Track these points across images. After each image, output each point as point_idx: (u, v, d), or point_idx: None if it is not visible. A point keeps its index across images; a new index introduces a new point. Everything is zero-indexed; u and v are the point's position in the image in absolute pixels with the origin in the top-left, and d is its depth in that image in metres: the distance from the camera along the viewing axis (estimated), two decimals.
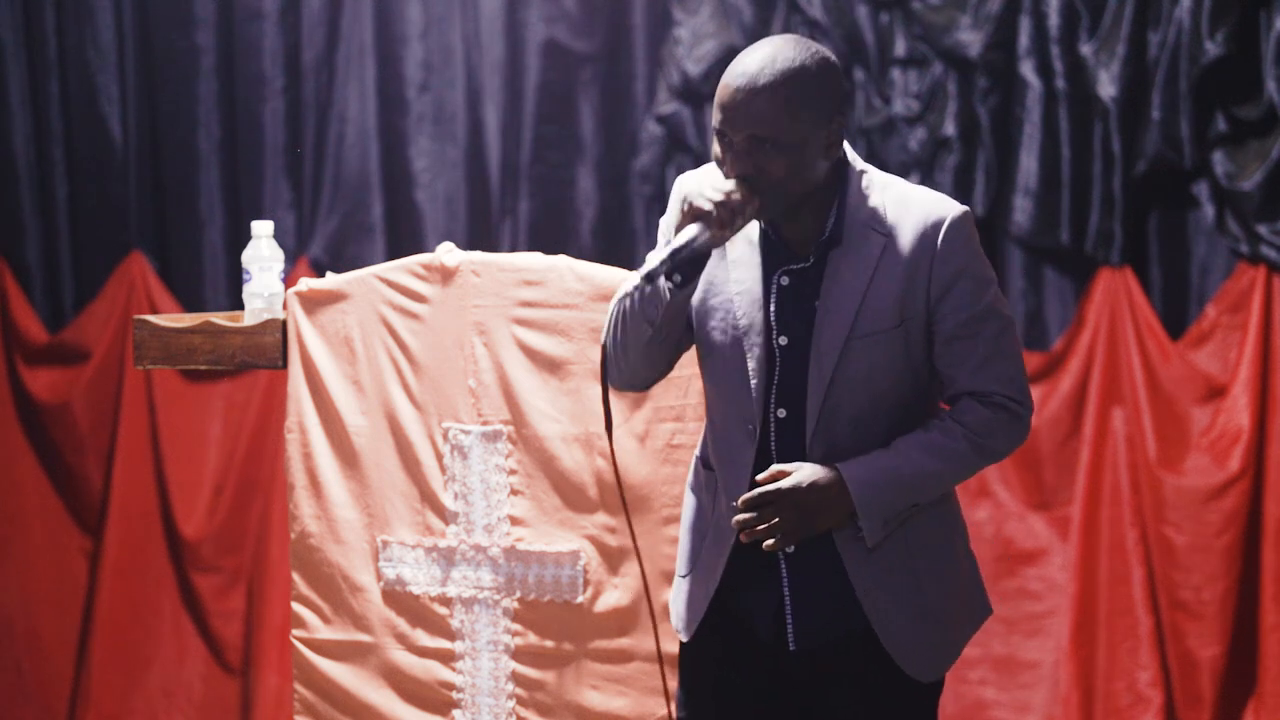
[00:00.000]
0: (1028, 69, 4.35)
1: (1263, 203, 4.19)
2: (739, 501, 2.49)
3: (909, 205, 2.50)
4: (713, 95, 4.23)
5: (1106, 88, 4.28)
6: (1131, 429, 4.27)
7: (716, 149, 2.48)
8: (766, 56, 2.43)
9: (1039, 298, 4.41)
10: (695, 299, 2.56)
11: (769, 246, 2.53)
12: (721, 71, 4.38)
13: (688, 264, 2.44)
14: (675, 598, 2.69)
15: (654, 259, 2.43)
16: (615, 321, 2.53)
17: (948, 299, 2.48)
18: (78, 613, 4.83)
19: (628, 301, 2.49)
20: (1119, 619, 4.26)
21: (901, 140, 4.41)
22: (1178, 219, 4.35)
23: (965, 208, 2.52)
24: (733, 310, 2.52)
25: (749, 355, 2.50)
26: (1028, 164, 4.36)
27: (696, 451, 2.71)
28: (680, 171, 4.50)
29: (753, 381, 2.50)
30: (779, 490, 2.45)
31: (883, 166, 4.41)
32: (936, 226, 2.48)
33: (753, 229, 2.54)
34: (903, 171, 4.40)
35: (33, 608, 4.87)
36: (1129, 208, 4.30)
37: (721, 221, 2.40)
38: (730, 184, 2.43)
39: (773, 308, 2.51)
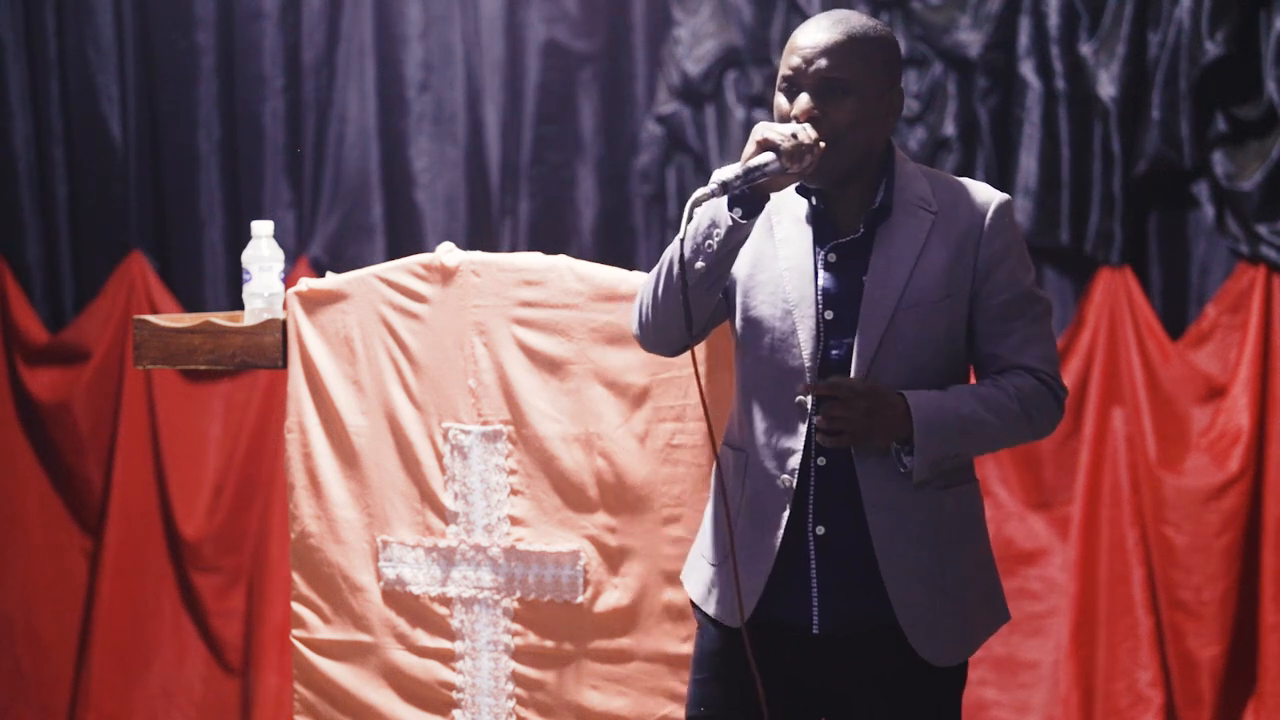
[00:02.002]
0: (1027, 69, 4.35)
1: (1262, 203, 4.19)
2: (805, 388, 2.49)
3: (955, 189, 2.59)
4: (712, 95, 4.24)
5: (1106, 88, 4.28)
6: (1131, 429, 4.27)
7: (781, 102, 2.54)
8: (842, 15, 2.57)
9: None
10: (742, 274, 2.60)
11: (817, 224, 2.58)
12: (721, 71, 4.47)
13: (752, 198, 2.47)
14: (709, 586, 2.66)
15: (728, 172, 2.46)
16: (662, 270, 2.55)
17: (993, 277, 2.55)
18: (78, 613, 4.83)
19: (681, 244, 2.49)
20: (1119, 619, 4.26)
21: (901, 140, 4.41)
22: (1178, 219, 4.35)
23: (1009, 196, 2.61)
24: (782, 285, 2.56)
25: (800, 328, 2.54)
26: (1027, 164, 4.36)
27: (723, 439, 2.70)
28: (680, 172, 4.52)
29: (805, 352, 2.53)
30: (854, 387, 2.46)
31: None
32: (984, 207, 2.57)
33: (800, 207, 2.59)
34: None
35: (33, 608, 4.87)
36: (1129, 208, 4.30)
37: (791, 155, 2.45)
38: (800, 125, 2.49)
39: (820, 283, 2.55)
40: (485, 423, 3.15)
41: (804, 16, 4.44)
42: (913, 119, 4.42)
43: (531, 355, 3.12)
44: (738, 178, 2.44)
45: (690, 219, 2.47)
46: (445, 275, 3.17)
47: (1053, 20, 4.32)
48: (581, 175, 4.63)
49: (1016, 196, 4.36)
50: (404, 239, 4.66)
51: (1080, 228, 4.34)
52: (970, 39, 4.36)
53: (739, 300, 2.61)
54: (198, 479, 4.79)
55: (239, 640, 4.75)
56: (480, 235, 4.62)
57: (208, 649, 4.78)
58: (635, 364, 3.05)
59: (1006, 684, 4.36)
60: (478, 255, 3.17)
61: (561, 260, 3.12)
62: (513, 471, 3.14)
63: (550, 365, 3.11)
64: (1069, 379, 4.33)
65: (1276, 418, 4.20)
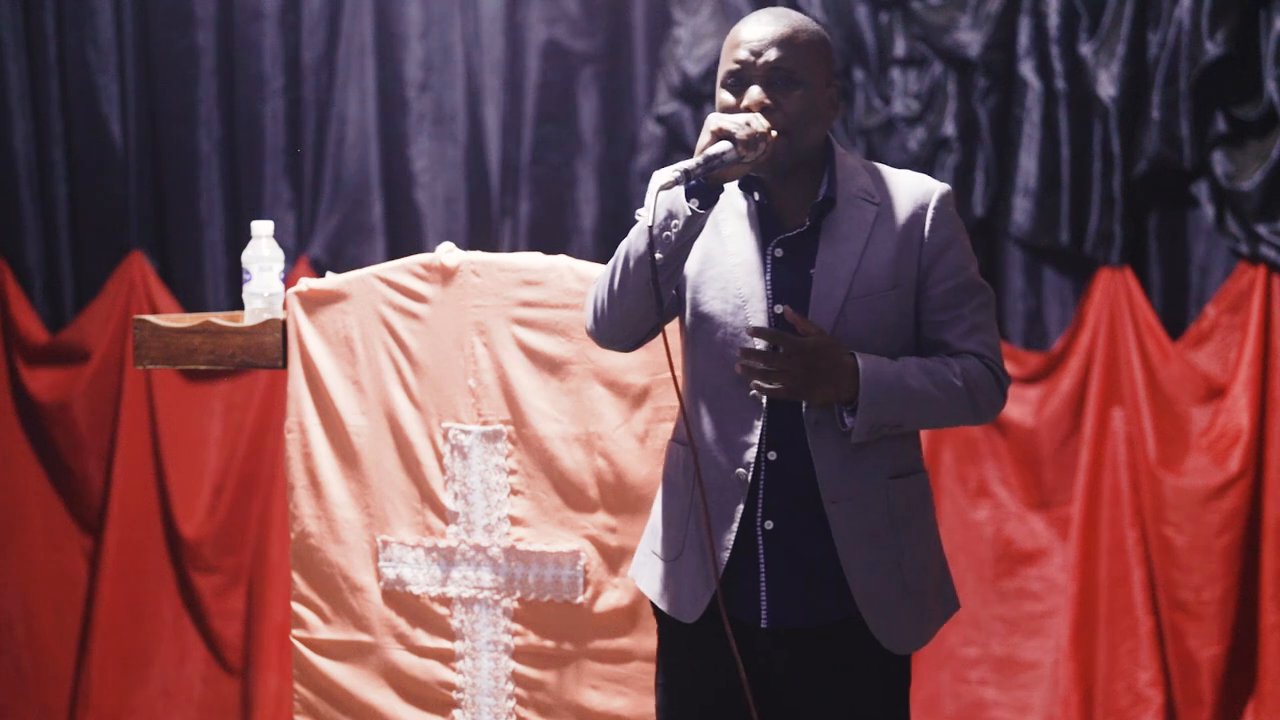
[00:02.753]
0: (1027, 69, 4.35)
1: (1262, 203, 4.19)
2: (753, 331, 2.52)
3: (895, 180, 2.64)
4: (713, 96, 4.23)
5: (1106, 88, 4.28)
6: (1131, 429, 4.27)
7: (726, 97, 2.58)
8: (781, 10, 2.62)
9: (1039, 298, 4.41)
10: (691, 271, 2.62)
11: (763, 219, 2.61)
12: None
13: (707, 189, 2.50)
14: (664, 582, 2.69)
15: (677, 168, 2.48)
16: (618, 264, 2.58)
17: (938, 266, 2.60)
18: (78, 613, 4.83)
19: (650, 230, 2.51)
20: (1119, 619, 4.26)
21: (901, 140, 4.41)
22: (1178, 219, 4.35)
23: (949, 186, 2.65)
24: (732, 281, 2.59)
25: (753, 322, 2.57)
26: (1027, 164, 4.36)
27: (670, 436, 2.72)
28: None
29: (758, 346, 2.55)
30: (798, 340, 2.50)
31: None
32: (926, 197, 2.61)
33: (743, 204, 2.63)
34: None
35: (33, 607, 4.87)
36: (1129, 208, 4.30)
37: (746, 143, 2.48)
38: (752, 115, 2.52)
39: (769, 277, 2.58)
40: (485, 423, 3.15)
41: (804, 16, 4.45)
42: (913, 119, 4.42)
43: (531, 355, 3.12)
44: (698, 166, 2.48)
45: (655, 204, 2.50)
46: (445, 275, 3.17)
47: (1053, 20, 4.32)
48: (581, 175, 4.63)
49: (1016, 197, 4.37)
50: (404, 239, 4.66)
51: (1080, 228, 4.34)
52: (970, 39, 4.36)
53: (689, 296, 2.64)
54: (198, 479, 4.79)
55: (239, 640, 4.74)
56: (480, 235, 4.62)
57: (208, 649, 4.78)
58: (635, 364, 3.05)
59: (1006, 684, 4.36)
60: (478, 255, 3.17)
61: (561, 260, 3.12)
62: (513, 471, 3.14)
63: (550, 365, 3.11)
64: (1069, 379, 4.34)
65: (1276, 418, 4.20)
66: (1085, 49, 4.31)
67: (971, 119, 4.39)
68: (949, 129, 4.38)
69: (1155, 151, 4.26)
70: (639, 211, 2.65)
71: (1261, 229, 4.19)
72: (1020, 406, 4.37)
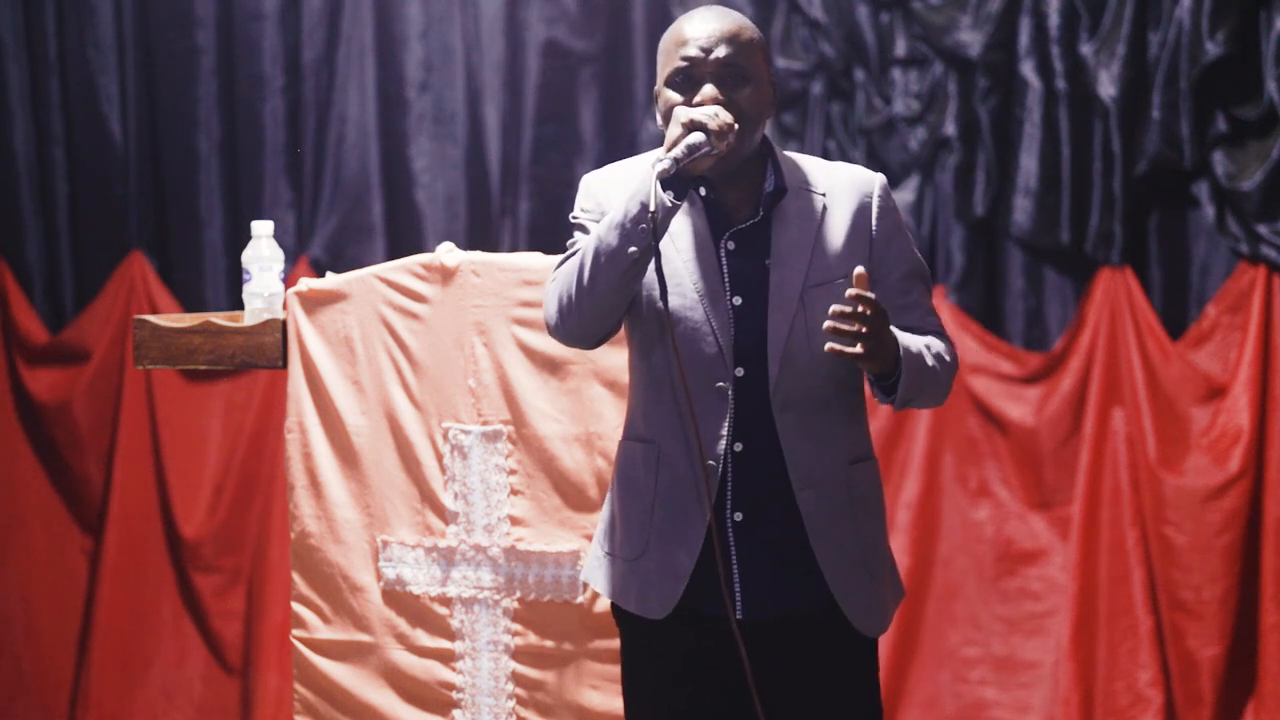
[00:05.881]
0: (1028, 69, 4.35)
1: (1263, 203, 4.20)
2: (850, 295, 2.46)
3: (834, 172, 2.68)
4: None
5: (1106, 88, 4.28)
6: (1131, 429, 4.27)
7: (673, 95, 2.58)
8: (721, 9, 2.64)
9: (1039, 298, 4.41)
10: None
11: (710, 213, 2.63)
12: None
13: (681, 181, 2.51)
14: (626, 581, 2.67)
15: (666, 158, 2.48)
16: (585, 262, 2.56)
17: (890, 251, 2.64)
18: (78, 613, 4.83)
19: (652, 217, 2.49)
20: (1119, 619, 4.26)
21: (901, 140, 4.41)
22: (1178, 219, 4.35)
23: (883, 175, 2.70)
24: (687, 276, 2.60)
25: (711, 316, 2.58)
26: (1028, 164, 4.36)
27: (622, 435, 2.71)
28: None
29: (721, 340, 2.57)
30: (881, 309, 2.47)
31: (883, 166, 4.42)
32: (869, 187, 2.66)
33: (686, 200, 2.62)
34: (903, 172, 4.41)
35: (33, 607, 4.87)
36: (1129, 208, 4.30)
37: (718, 134, 2.50)
38: (716, 108, 2.53)
39: (725, 269, 2.59)
40: (485, 423, 3.15)
41: (804, 16, 4.45)
42: (913, 119, 4.42)
43: (531, 355, 3.12)
44: (684, 156, 2.49)
45: (655, 191, 2.48)
46: (445, 275, 3.17)
47: (1053, 20, 4.32)
48: (582, 175, 4.62)
49: (1016, 196, 4.37)
50: (404, 239, 4.66)
51: (1080, 228, 4.34)
52: (970, 39, 4.36)
53: (643, 294, 2.62)
54: (198, 479, 4.78)
55: (239, 640, 4.74)
56: (480, 235, 4.62)
57: (208, 649, 4.78)
58: None
59: (1006, 684, 4.36)
60: (478, 255, 3.17)
61: None
62: (513, 471, 3.14)
63: (550, 365, 3.11)
64: (1069, 379, 4.34)
65: (1276, 418, 4.20)
66: (1085, 49, 4.31)
67: (972, 119, 4.39)
68: (949, 129, 4.39)
69: (1155, 151, 4.26)
70: (572, 215, 2.71)
71: (1262, 229, 4.19)
72: (1020, 406, 4.38)
